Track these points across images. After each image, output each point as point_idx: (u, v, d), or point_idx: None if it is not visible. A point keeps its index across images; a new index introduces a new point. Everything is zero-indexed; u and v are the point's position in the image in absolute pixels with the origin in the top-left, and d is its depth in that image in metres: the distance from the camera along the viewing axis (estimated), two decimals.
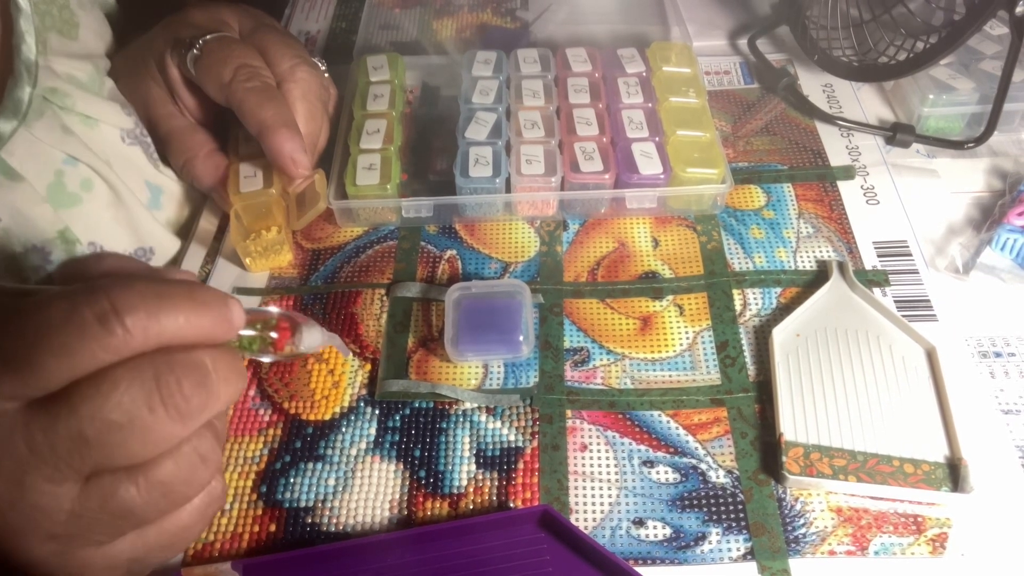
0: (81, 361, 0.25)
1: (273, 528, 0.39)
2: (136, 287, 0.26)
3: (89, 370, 0.25)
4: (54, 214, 0.43)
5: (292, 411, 0.43)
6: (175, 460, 0.27)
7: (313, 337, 0.35)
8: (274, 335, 0.34)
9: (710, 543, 0.37)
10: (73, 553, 0.27)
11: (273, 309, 0.34)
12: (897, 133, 0.55)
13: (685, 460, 0.40)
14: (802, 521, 0.38)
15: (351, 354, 0.44)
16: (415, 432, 0.42)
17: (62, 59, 0.45)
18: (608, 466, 0.40)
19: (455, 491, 0.40)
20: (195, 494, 0.29)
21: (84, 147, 0.45)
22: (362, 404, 0.43)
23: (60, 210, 0.44)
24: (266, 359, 0.35)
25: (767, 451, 0.40)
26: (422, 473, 0.40)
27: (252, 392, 0.44)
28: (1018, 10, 0.47)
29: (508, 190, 0.50)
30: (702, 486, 0.39)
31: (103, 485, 0.26)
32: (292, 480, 0.40)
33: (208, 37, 0.46)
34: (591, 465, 0.40)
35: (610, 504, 0.39)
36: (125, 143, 0.48)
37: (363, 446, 0.41)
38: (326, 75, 0.54)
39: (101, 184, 0.46)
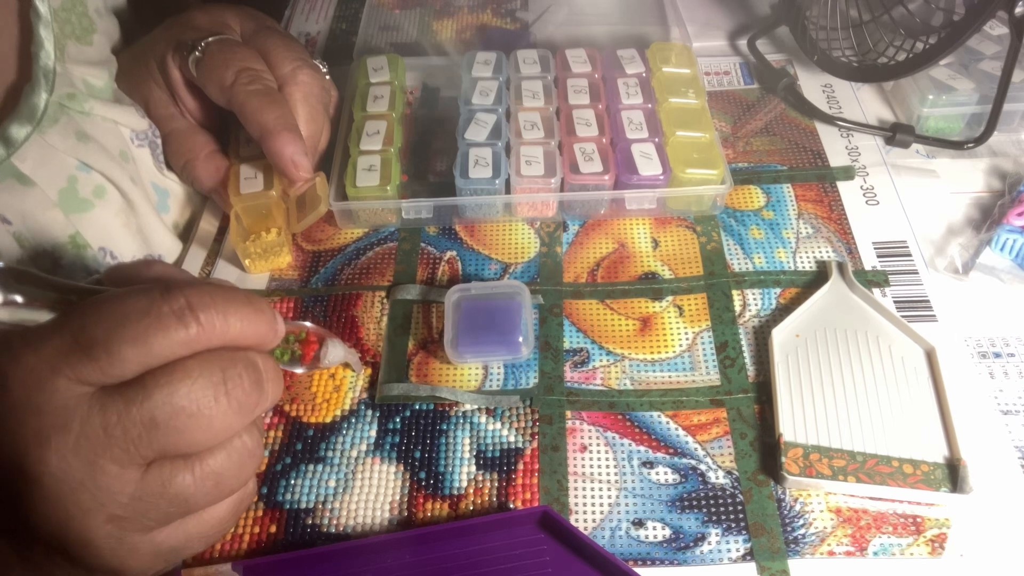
0: (157, 351, 0.27)
1: (274, 529, 0.39)
2: (207, 289, 0.29)
3: (163, 361, 0.28)
4: (65, 219, 0.44)
5: (293, 414, 0.43)
6: (228, 452, 0.29)
7: (336, 352, 0.38)
8: (299, 350, 0.37)
9: (709, 544, 0.37)
10: (125, 537, 0.29)
11: (307, 323, 0.37)
12: (897, 133, 0.55)
13: (685, 461, 0.40)
14: (801, 522, 0.38)
15: (363, 370, 0.45)
16: (415, 434, 0.42)
17: (79, 66, 0.45)
18: (608, 467, 0.40)
19: (455, 492, 0.40)
20: (240, 487, 0.31)
21: (97, 154, 0.45)
22: (363, 407, 0.43)
23: (71, 215, 0.44)
24: (295, 370, 0.38)
25: (766, 452, 0.40)
26: (422, 474, 0.40)
27: None
28: (1017, 10, 0.47)
29: (508, 191, 0.50)
30: (701, 487, 0.39)
31: (163, 471, 0.28)
32: (293, 482, 0.40)
33: (210, 39, 0.47)
34: (591, 466, 0.40)
35: (610, 505, 0.39)
36: (134, 144, 0.48)
37: (363, 448, 0.42)
38: (327, 77, 0.54)
39: (113, 191, 0.46)
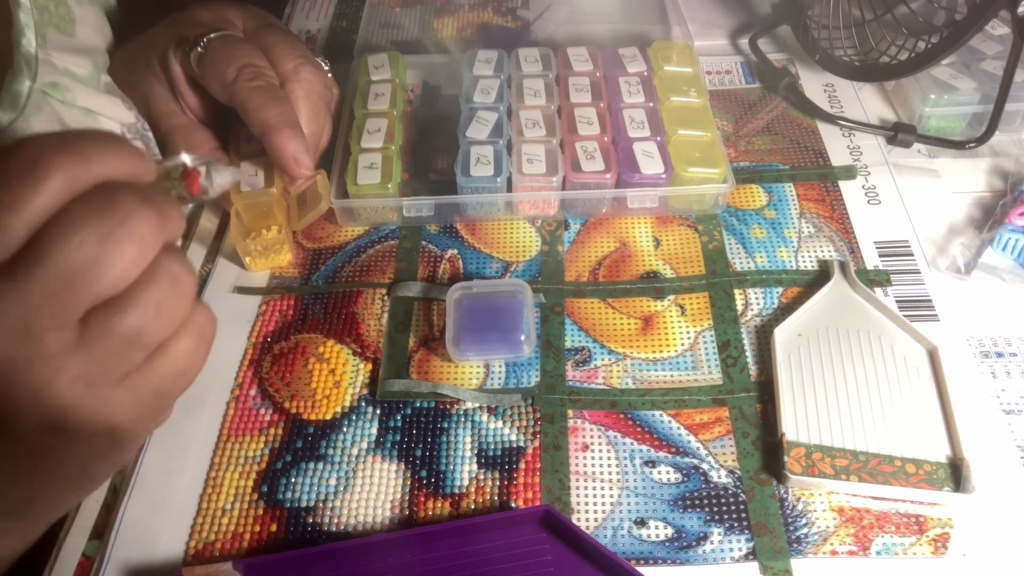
0: (30, 209, 0.27)
1: (274, 528, 0.39)
2: (54, 135, 0.28)
3: (43, 216, 0.27)
4: None
5: (293, 411, 0.43)
6: (153, 280, 0.29)
7: (223, 176, 0.36)
8: (182, 184, 0.35)
9: (712, 543, 0.37)
10: (101, 392, 0.29)
11: (181, 157, 0.35)
12: (898, 133, 0.55)
13: (687, 460, 0.40)
14: (804, 521, 0.38)
15: (262, 187, 0.44)
16: (416, 432, 0.42)
17: (61, 54, 0.45)
18: (610, 466, 0.40)
19: (456, 491, 0.40)
20: (185, 311, 0.31)
21: None
22: (363, 404, 0.43)
23: None
24: (185, 206, 0.35)
25: (769, 451, 0.40)
26: (423, 473, 0.40)
27: (253, 392, 0.44)
28: (1020, 10, 0.47)
29: (509, 189, 0.50)
30: (704, 486, 0.39)
31: (99, 316, 0.28)
32: (293, 480, 0.40)
33: (212, 36, 0.46)
34: (593, 465, 0.40)
35: (612, 504, 0.39)
36: (128, 137, 0.48)
37: (364, 446, 0.41)
38: (329, 75, 0.54)
39: None
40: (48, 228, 0.27)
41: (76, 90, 0.45)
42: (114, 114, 0.47)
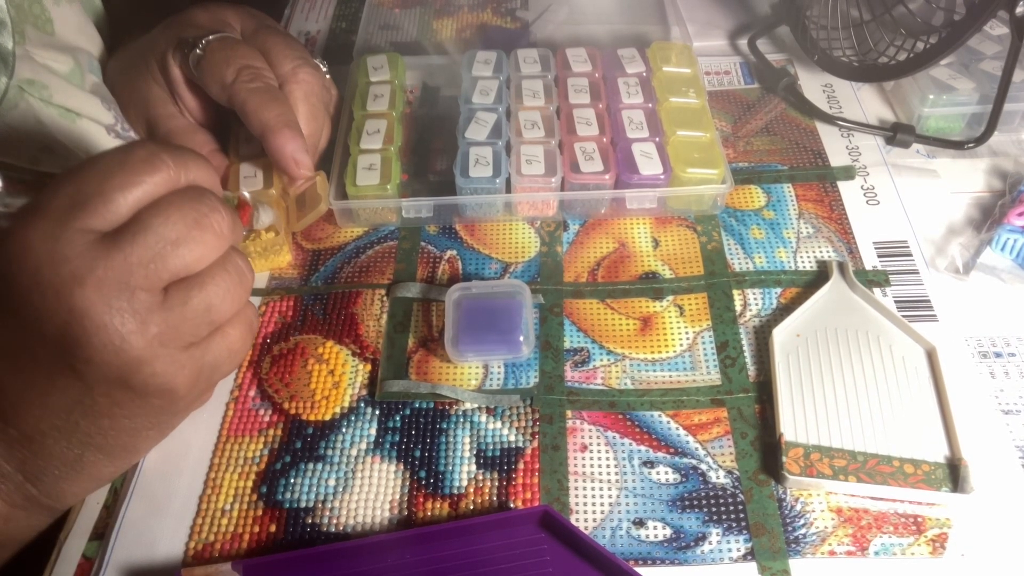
0: (142, 192, 0.33)
1: (273, 528, 0.39)
2: (165, 142, 0.35)
3: (149, 199, 0.33)
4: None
5: (292, 411, 0.43)
6: (224, 269, 0.35)
7: (267, 215, 0.44)
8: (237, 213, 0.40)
9: (710, 543, 0.37)
10: (174, 355, 0.34)
11: (244, 192, 0.43)
12: (897, 133, 0.55)
13: (685, 460, 0.40)
14: (802, 521, 0.38)
15: (284, 229, 0.49)
16: (415, 432, 0.42)
17: (41, 50, 0.45)
18: (608, 466, 0.40)
19: (455, 491, 0.40)
20: (244, 300, 0.37)
21: (59, 140, 0.45)
22: (362, 404, 0.43)
23: None
24: None
25: (767, 451, 0.40)
26: (422, 473, 0.40)
27: (252, 392, 0.44)
28: (1018, 10, 0.47)
29: (508, 190, 0.50)
30: (702, 486, 0.39)
31: (179, 289, 0.34)
32: (292, 480, 0.40)
33: (211, 37, 0.46)
34: (591, 465, 0.40)
35: (610, 504, 0.39)
36: (109, 137, 0.48)
37: (363, 446, 0.42)
38: (327, 77, 0.54)
39: None
40: (149, 208, 0.33)
41: (55, 88, 0.45)
42: (94, 114, 0.47)
